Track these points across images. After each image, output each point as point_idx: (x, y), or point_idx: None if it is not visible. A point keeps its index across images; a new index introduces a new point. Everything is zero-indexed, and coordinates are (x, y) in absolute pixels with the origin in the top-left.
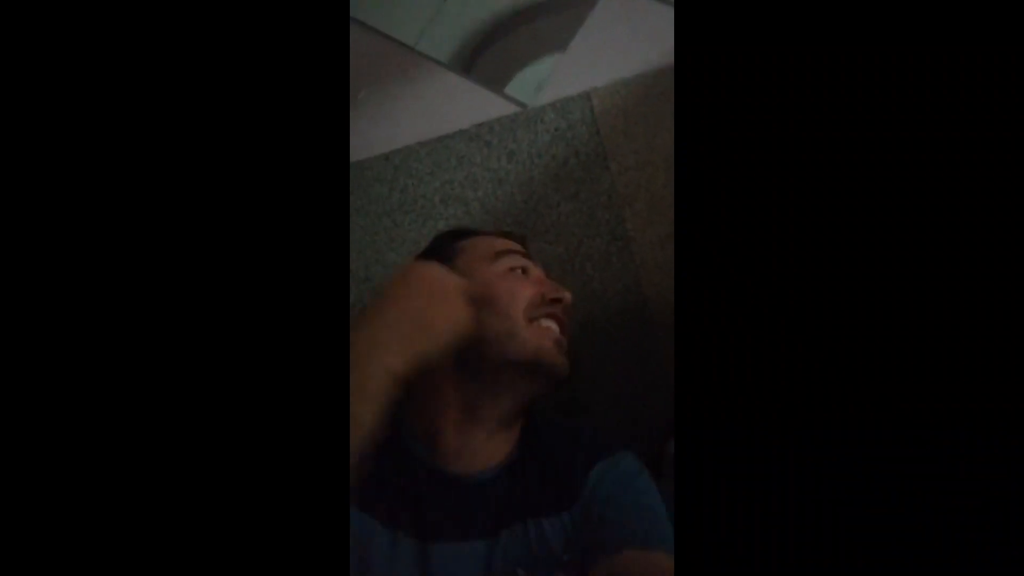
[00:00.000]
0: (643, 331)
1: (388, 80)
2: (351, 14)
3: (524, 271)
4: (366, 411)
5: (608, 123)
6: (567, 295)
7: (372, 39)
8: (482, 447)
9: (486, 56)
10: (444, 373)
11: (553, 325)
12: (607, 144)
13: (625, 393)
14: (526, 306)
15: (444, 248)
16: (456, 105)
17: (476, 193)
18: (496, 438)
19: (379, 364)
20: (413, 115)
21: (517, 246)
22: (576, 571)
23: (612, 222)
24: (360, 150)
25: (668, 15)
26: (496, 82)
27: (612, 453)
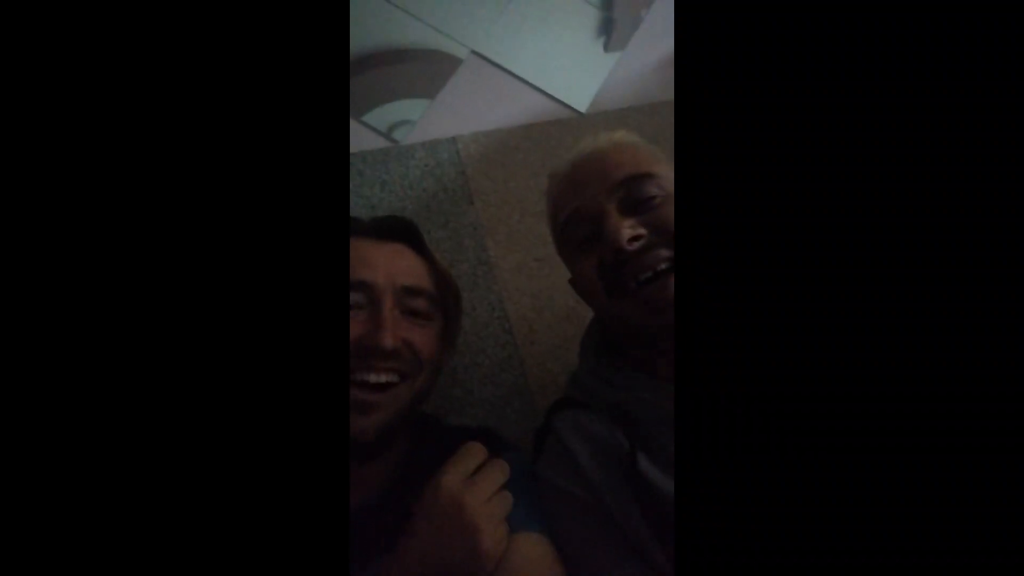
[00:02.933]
0: (504, 343)
1: None
2: None
3: (357, 306)
4: None
5: (472, 165)
6: (386, 340)
7: None
8: (358, 478)
9: (353, 83)
10: None
11: (372, 378)
12: (471, 183)
13: (489, 396)
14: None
15: None
16: None
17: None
18: (367, 469)
19: None
20: None
21: (367, 275)
22: None
23: (477, 249)
24: None
25: (517, 85)
26: (356, 110)
27: (504, 452)
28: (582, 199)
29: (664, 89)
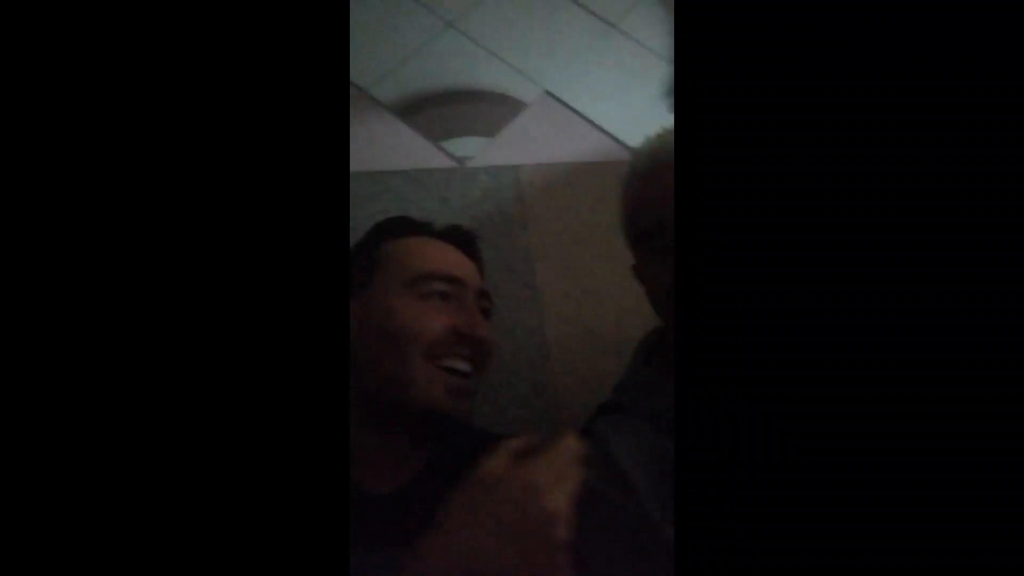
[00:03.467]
0: (540, 368)
1: None
2: None
3: (444, 297)
4: None
5: (530, 193)
6: (482, 331)
7: None
8: (391, 469)
9: (427, 114)
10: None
11: (460, 366)
12: (527, 210)
13: (518, 418)
14: (430, 345)
15: (371, 249)
16: (397, 148)
17: None
18: (404, 464)
19: None
20: (356, 147)
21: (442, 268)
22: None
23: (525, 273)
24: None
25: (582, 125)
26: (433, 137)
27: None
28: (661, 211)
29: None
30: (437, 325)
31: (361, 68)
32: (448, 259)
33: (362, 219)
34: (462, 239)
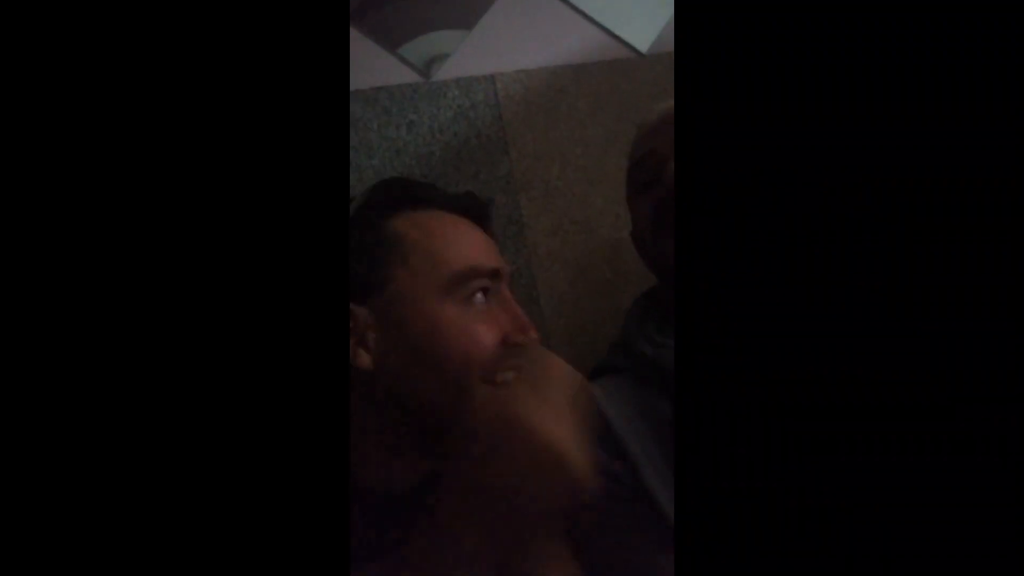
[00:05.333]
0: (529, 312)
1: None
2: None
3: (485, 293)
4: None
5: (511, 109)
6: (534, 335)
7: None
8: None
9: (383, 11)
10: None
11: (510, 376)
12: (508, 130)
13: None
14: (483, 365)
15: (377, 229)
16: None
17: (371, 161)
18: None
19: None
20: None
21: (481, 261)
22: None
23: (509, 206)
24: None
25: (571, 17)
26: (390, 42)
27: None
28: (658, 142)
29: None
30: (489, 340)
31: None
32: (480, 245)
33: None
34: (478, 211)
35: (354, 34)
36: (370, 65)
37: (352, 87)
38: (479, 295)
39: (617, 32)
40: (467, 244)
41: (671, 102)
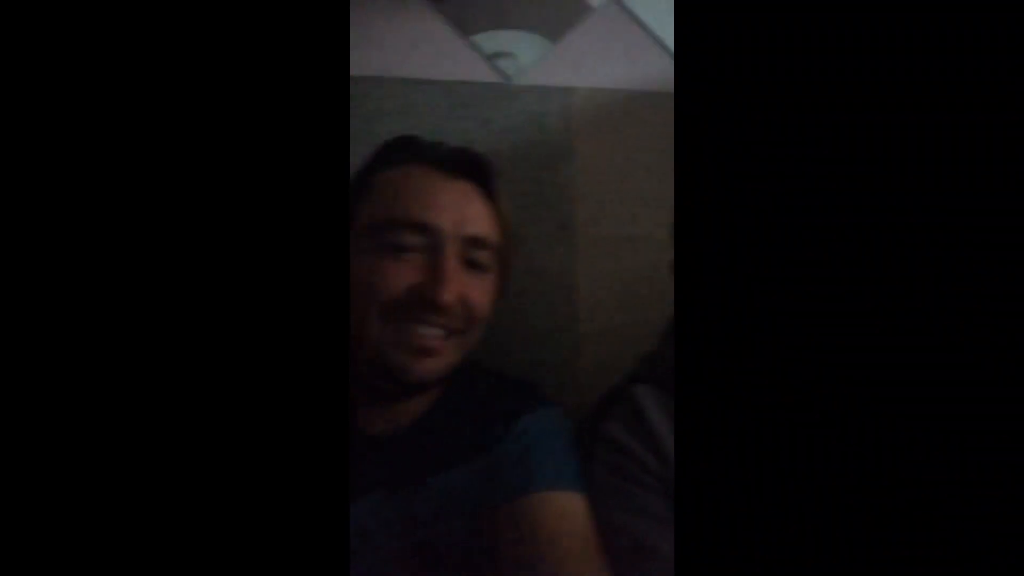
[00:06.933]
0: (564, 313)
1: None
2: None
3: (400, 250)
4: None
5: (580, 122)
6: (448, 296)
7: None
8: (391, 412)
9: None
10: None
11: (424, 331)
12: (575, 141)
13: (536, 358)
14: (385, 306)
15: (366, 175)
16: (429, 51)
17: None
18: (403, 405)
19: None
20: (397, 45)
21: (411, 214)
22: (489, 517)
23: (564, 211)
24: None
25: (651, 44)
26: (468, 28)
27: (541, 406)
28: None
29: None
30: (393, 285)
31: None
32: (430, 201)
33: (390, 133)
34: (472, 167)
35: (439, 24)
36: (454, 56)
37: (434, 76)
38: (400, 250)
39: None
40: (411, 196)
41: None
